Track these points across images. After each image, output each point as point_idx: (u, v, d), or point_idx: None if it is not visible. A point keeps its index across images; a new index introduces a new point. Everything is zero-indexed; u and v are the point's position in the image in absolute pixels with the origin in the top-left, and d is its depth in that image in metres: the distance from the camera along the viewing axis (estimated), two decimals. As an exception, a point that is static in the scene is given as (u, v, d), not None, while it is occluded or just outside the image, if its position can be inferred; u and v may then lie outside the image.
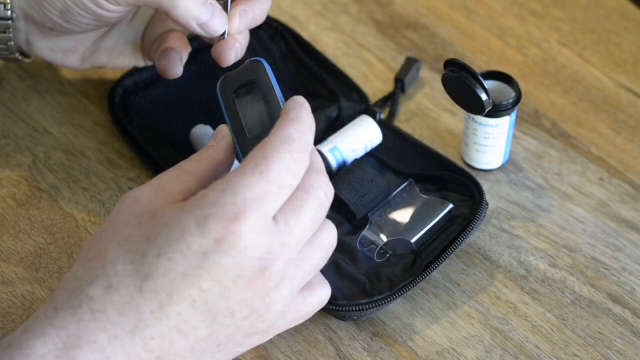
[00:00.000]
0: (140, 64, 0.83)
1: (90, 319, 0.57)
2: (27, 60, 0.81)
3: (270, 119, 0.65)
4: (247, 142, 0.65)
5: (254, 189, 0.59)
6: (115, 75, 0.88)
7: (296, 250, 0.61)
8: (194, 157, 0.64)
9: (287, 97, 0.65)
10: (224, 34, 0.75)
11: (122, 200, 0.62)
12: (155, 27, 0.81)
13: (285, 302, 0.62)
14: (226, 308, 0.59)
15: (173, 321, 0.58)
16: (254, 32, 0.90)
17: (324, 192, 0.62)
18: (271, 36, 0.90)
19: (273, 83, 0.67)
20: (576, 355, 0.72)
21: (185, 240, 0.58)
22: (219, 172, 0.64)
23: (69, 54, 0.80)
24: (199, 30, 0.74)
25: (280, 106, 0.65)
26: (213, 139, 0.66)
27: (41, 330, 0.57)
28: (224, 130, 0.66)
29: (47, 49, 0.79)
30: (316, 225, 0.62)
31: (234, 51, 0.75)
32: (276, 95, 0.66)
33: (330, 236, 0.64)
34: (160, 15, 0.81)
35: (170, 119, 0.85)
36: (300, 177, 0.61)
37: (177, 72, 0.79)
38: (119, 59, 0.82)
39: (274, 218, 0.60)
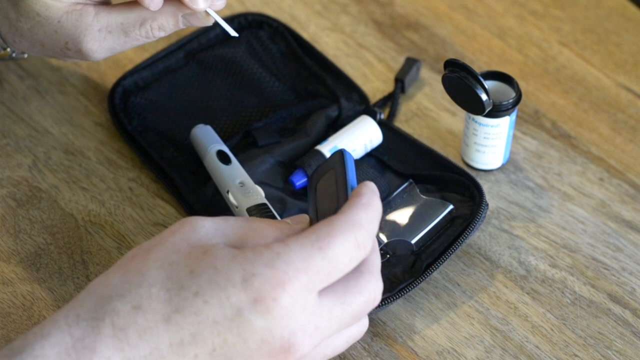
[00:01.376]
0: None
1: (110, 335, 0.57)
2: (24, 55, 0.80)
3: (337, 205, 0.63)
4: None
5: (308, 262, 0.58)
6: (116, 75, 0.88)
7: (327, 335, 0.60)
8: (266, 221, 0.63)
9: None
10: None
11: (181, 224, 0.61)
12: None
13: None
14: None
15: (187, 359, 0.58)
16: (254, 32, 0.90)
17: (375, 298, 0.61)
18: (271, 36, 0.90)
19: (349, 172, 0.65)
20: (576, 355, 0.72)
21: (227, 289, 0.57)
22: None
23: None
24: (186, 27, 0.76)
25: (347, 193, 0.64)
26: (292, 219, 0.65)
27: (58, 339, 0.57)
28: (304, 218, 0.65)
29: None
30: (354, 322, 0.61)
31: None
32: (347, 184, 0.64)
33: (360, 330, 0.64)
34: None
35: (170, 119, 0.85)
36: (357, 262, 0.60)
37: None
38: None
39: (320, 297, 0.59)
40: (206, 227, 0.61)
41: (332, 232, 0.59)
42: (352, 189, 0.64)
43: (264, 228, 0.62)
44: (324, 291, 0.59)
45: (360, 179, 0.78)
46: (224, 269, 0.58)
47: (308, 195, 0.67)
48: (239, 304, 0.57)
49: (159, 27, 0.74)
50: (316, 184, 0.67)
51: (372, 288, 0.61)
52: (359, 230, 0.59)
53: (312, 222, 0.64)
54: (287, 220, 0.64)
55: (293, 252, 0.58)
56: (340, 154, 0.66)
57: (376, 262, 0.62)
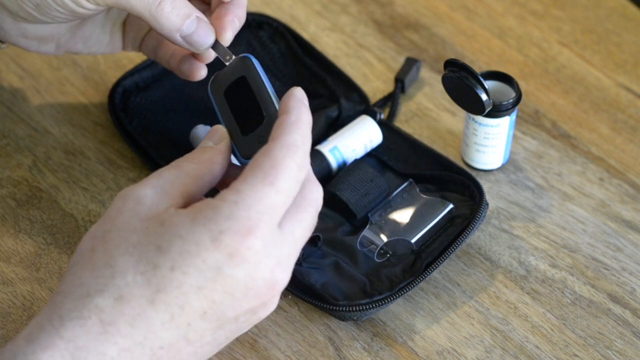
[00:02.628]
0: (118, 50, 0.81)
1: (100, 331, 0.57)
2: (2, 46, 0.78)
3: (266, 115, 0.65)
4: (243, 140, 0.66)
5: (265, 201, 0.59)
6: (116, 75, 0.88)
7: (296, 256, 0.62)
8: (192, 158, 0.64)
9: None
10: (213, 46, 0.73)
11: (122, 200, 0.61)
12: (138, 19, 0.78)
13: (279, 298, 0.64)
14: (233, 317, 0.60)
15: (182, 331, 0.59)
16: (254, 32, 0.90)
17: (320, 202, 0.64)
18: (271, 36, 0.90)
19: (263, 78, 0.67)
20: (576, 355, 0.72)
21: (201, 254, 0.58)
22: (215, 175, 0.64)
23: (43, 42, 0.78)
24: (182, 43, 0.71)
25: (272, 101, 0.66)
26: (209, 139, 0.66)
27: (48, 341, 0.56)
28: (222, 130, 0.66)
29: (21, 36, 0.76)
30: (311, 233, 0.63)
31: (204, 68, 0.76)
32: (267, 90, 0.66)
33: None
34: None
35: (170, 119, 0.85)
36: (301, 184, 0.62)
37: (202, 73, 0.77)
38: (95, 47, 0.80)
39: (281, 226, 0.61)
40: (148, 195, 0.61)
41: (275, 163, 0.60)
42: (274, 94, 0.66)
43: (197, 169, 0.63)
44: (281, 219, 0.61)
45: (360, 179, 0.78)
46: (190, 236, 0.58)
47: (216, 106, 0.68)
48: (216, 264, 0.58)
49: (171, 2, 0.70)
50: (223, 92, 0.68)
51: (317, 195, 0.63)
52: (296, 153, 0.61)
53: (231, 133, 0.66)
54: (208, 142, 0.65)
55: (248, 196, 0.59)
56: (246, 60, 0.68)
57: (308, 168, 0.63)
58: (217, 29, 0.73)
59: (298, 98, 0.63)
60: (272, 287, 0.60)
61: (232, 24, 0.73)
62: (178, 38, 0.71)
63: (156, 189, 0.61)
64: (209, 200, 0.60)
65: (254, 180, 0.60)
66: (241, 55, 0.69)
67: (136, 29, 0.80)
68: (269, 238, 0.59)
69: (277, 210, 0.60)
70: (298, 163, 0.61)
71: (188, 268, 0.58)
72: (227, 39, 0.73)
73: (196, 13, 0.71)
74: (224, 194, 0.60)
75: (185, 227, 0.58)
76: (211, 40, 0.72)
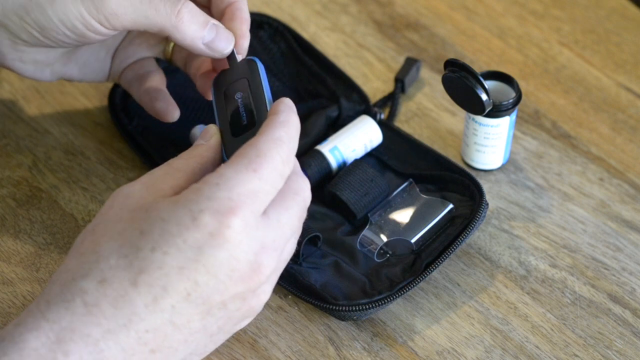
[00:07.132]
0: (103, 80, 0.81)
1: (84, 313, 0.58)
2: None
3: (258, 122, 0.66)
4: (232, 141, 0.66)
5: (248, 185, 0.60)
6: (115, 75, 0.88)
7: (284, 244, 0.63)
8: (182, 155, 0.65)
9: (285, 96, 0.66)
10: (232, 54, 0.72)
11: (114, 196, 0.62)
12: (127, 50, 0.80)
13: (272, 288, 0.64)
14: (220, 301, 0.60)
15: (167, 314, 0.59)
16: (254, 32, 0.90)
17: (308, 193, 0.64)
18: (271, 36, 0.90)
19: (263, 82, 0.67)
20: (576, 355, 0.72)
21: (181, 234, 0.58)
22: (207, 170, 0.65)
23: (39, 66, 0.77)
24: (205, 50, 0.71)
25: (267, 109, 0.66)
26: (202, 137, 0.67)
27: (34, 324, 0.58)
28: (213, 129, 0.67)
29: (18, 59, 0.75)
30: (300, 223, 0.64)
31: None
32: (265, 97, 0.67)
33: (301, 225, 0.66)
34: (133, 38, 0.79)
35: (170, 118, 0.85)
36: (285, 180, 0.63)
37: (175, 115, 0.79)
38: (89, 74, 0.80)
39: (265, 214, 0.61)
40: (137, 189, 0.62)
41: (260, 152, 0.61)
42: (270, 101, 0.66)
43: (187, 164, 0.64)
44: (267, 208, 0.61)
45: (360, 179, 0.78)
46: (171, 217, 0.59)
47: (215, 102, 0.69)
48: (197, 243, 0.58)
49: (189, 11, 0.70)
50: (225, 92, 0.69)
51: (302, 185, 0.64)
52: (282, 148, 0.62)
53: (223, 131, 0.67)
54: (200, 141, 0.66)
55: (230, 179, 0.60)
56: (252, 63, 0.68)
57: (297, 164, 0.65)
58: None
59: (288, 105, 0.65)
60: (257, 271, 0.60)
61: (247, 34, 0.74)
62: (201, 46, 0.71)
63: (145, 185, 0.62)
64: (193, 184, 0.61)
65: (237, 166, 0.61)
66: (248, 57, 0.69)
67: (121, 60, 0.80)
68: (251, 221, 0.60)
69: (260, 197, 0.60)
70: (283, 157, 0.62)
71: (169, 248, 0.58)
72: (243, 48, 0.73)
73: (212, 20, 0.72)
74: (207, 177, 0.61)
75: (167, 210, 0.59)
76: (232, 44, 0.72)
